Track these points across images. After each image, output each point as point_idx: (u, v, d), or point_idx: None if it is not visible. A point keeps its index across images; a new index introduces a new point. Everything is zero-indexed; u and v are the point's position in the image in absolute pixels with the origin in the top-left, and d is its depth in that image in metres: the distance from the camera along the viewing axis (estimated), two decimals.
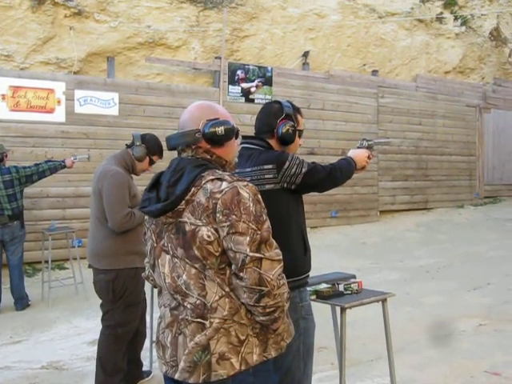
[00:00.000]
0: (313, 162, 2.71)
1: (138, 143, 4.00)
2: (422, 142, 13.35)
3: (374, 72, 12.82)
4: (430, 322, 5.49)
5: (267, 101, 10.79)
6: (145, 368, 4.30)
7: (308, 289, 2.72)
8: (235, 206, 1.80)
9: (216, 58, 10.42)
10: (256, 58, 11.14)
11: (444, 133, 13.80)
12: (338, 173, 2.75)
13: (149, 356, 4.49)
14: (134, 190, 3.87)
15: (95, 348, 4.88)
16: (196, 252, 1.84)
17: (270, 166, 2.58)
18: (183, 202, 1.85)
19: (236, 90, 10.50)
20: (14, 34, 8.62)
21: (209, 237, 1.81)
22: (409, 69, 13.66)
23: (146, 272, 2.17)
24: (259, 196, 1.87)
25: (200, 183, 1.85)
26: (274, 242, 1.86)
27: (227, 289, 1.86)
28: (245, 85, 10.61)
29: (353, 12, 12.48)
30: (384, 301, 3.09)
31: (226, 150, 2.03)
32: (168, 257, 1.93)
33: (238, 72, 10.53)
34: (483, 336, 5.07)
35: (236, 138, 2.08)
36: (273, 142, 2.73)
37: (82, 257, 7.21)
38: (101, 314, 3.93)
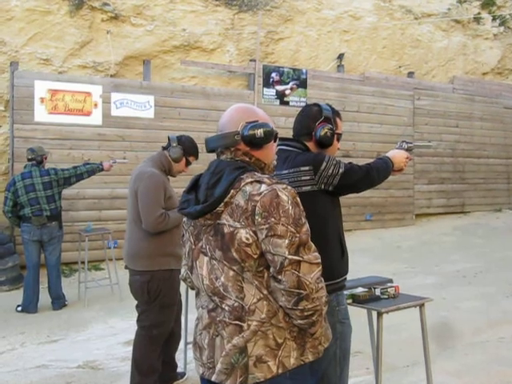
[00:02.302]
0: (349, 163, 2.69)
1: (174, 144, 4.03)
2: (458, 145, 13.13)
3: (410, 74, 12.66)
4: (467, 328, 5.39)
5: (302, 103, 10.78)
6: (179, 369, 4.32)
7: (344, 292, 2.69)
8: (274, 209, 1.80)
9: (251, 60, 10.43)
10: (291, 61, 11.12)
11: (481, 135, 13.55)
12: (375, 173, 2.72)
13: (183, 357, 4.51)
14: (169, 191, 3.89)
15: (130, 348, 4.93)
16: (234, 254, 1.85)
17: (306, 168, 2.57)
18: (222, 204, 1.86)
19: (271, 92, 10.50)
20: (53, 38, 8.78)
21: (247, 239, 1.82)
22: (445, 70, 13.46)
23: (184, 274, 2.18)
24: (298, 199, 1.88)
25: (239, 185, 1.86)
26: (313, 245, 1.86)
27: (265, 291, 1.86)
28: (279, 87, 10.60)
29: (388, 14, 12.37)
30: (421, 306, 3.04)
31: (265, 153, 2.03)
32: (206, 259, 1.94)
33: (273, 74, 10.53)
34: None
35: (275, 141, 2.08)
36: (311, 145, 2.72)
37: (117, 258, 7.31)
38: (136, 314, 3.97)
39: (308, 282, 1.79)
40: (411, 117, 12.28)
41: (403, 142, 3.04)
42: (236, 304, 1.86)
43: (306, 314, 1.82)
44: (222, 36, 10.23)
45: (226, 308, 1.88)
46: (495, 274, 7.84)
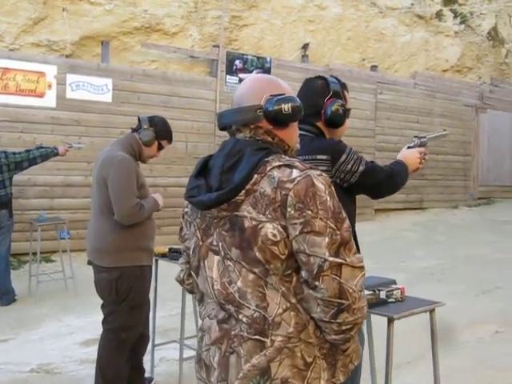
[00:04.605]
0: (371, 161, 2.37)
1: (145, 126, 3.62)
2: None
3: (374, 67, 12.52)
4: (444, 329, 5.19)
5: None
6: (146, 374, 3.93)
7: None
8: (310, 200, 1.46)
9: (214, 46, 10.03)
10: (255, 48, 10.78)
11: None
12: (398, 178, 2.43)
13: (150, 360, 4.13)
14: (142, 178, 3.50)
15: (89, 349, 4.55)
16: (257, 254, 1.49)
17: (324, 157, 2.23)
18: (243, 191, 1.50)
19: (234, 80, 10.12)
20: (5, 13, 8.15)
21: (274, 236, 1.48)
22: (408, 65, 13.39)
23: (181, 275, 1.83)
24: (333, 188, 1.54)
25: (264, 170, 1.51)
26: (355, 244, 1.53)
27: (293, 300, 1.52)
28: (243, 75, 10.20)
29: (353, 5, 12.18)
30: (432, 311, 2.77)
31: (290, 133, 1.68)
32: (217, 258, 1.59)
33: (237, 62, 10.16)
34: (503, 344, 4.79)
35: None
36: (321, 125, 2.38)
37: (71, 249, 6.84)
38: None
39: (351, 290, 1.47)
40: (373, 111, 12.14)
41: (415, 137, 2.73)
42: (256, 315, 1.51)
43: (343, 328, 1.50)
44: (184, 19, 9.78)
45: (244, 319, 1.53)
46: (462, 271, 7.75)
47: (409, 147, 2.70)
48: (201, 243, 1.64)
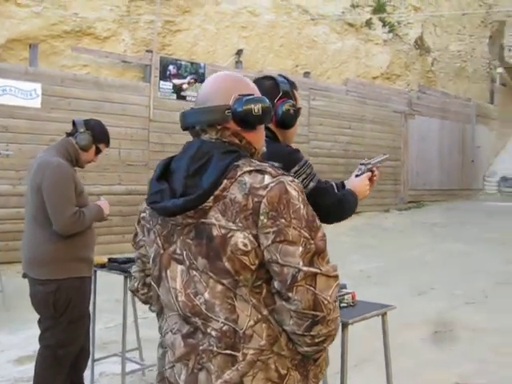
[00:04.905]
0: (325, 181, 2.30)
1: (81, 130, 3.45)
2: (351, 146, 13.34)
3: (306, 74, 12.67)
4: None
5: None
6: None
7: None
8: (284, 207, 1.38)
9: (147, 51, 9.85)
10: (188, 54, 10.67)
11: (372, 137, 13.88)
12: (347, 206, 2.37)
13: (90, 375, 3.95)
14: (80, 185, 3.34)
15: (23, 368, 4.32)
16: (226, 264, 1.40)
17: (276, 164, 2.16)
18: (211, 198, 1.41)
19: (167, 86, 9.98)
20: None
21: (245, 245, 1.39)
22: (339, 72, 13.63)
23: (135, 284, 1.72)
24: (305, 196, 1.47)
25: (234, 175, 1.42)
26: (328, 253, 1.46)
27: (265, 312, 1.43)
28: (177, 81, 10.10)
29: (286, 12, 12.29)
30: (384, 314, 2.76)
31: (258, 136, 1.59)
32: (181, 268, 1.48)
33: (170, 67, 10.02)
34: (443, 344, 4.89)
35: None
36: (273, 127, 2.32)
37: (0, 261, 6.51)
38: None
39: (326, 302, 1.39)
40: (307, 117, 12.26)
41: (361, 164, 2.66)
42: (225, 328, 1.42)
43: (317, 340, 1.42)
44: (116, 23, 9.56)
45: (213, 333, 1.43)
46: (397, 273, 7.90)
47: (356, 175, 2.64)
48: (162, 251, 1.53)
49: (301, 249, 1.38)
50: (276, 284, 1.41)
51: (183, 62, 10.23)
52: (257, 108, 1.52)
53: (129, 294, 3.89)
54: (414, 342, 4.95)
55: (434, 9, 15.90)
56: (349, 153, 13.24)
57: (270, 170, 1.44)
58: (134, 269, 1.73)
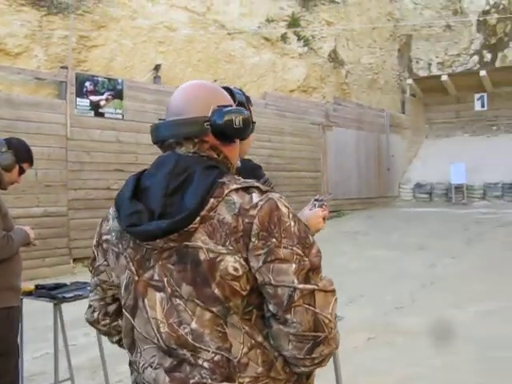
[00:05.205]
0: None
1: (3, 149, 3.25)
2: (272, 159, 13.44)
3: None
4: None
5: (118, 115, 10.12)
6: None
7: None
8: (275, 226, 1.29)
9: (62, 67, 9.52)
10: (105, 70, 10.42)
11: (292, 150, 14.08)
12: None
13: None
14: (4, 207, 3.14)
15: None
16: (215, 291, 1.29)
17: (261, 181, 2.11)
18: (197, 219, 1.29)
19: (84, 102, 9.68)
20: None
21: (236, 270, 1.28)
22: (257, 86, 13.75)
23: (95, 314, 1.57)
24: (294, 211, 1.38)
25: (221, 193, 1.31)
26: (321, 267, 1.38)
27: (259, 338, 1.33)
28: (94, 98, 9.82)
29: (203, 27, 12.29)
30: None
31: (235, 150, 1.49)
32: (160, 295, 1.34)
33: (87, 84, 9.73)
34: (378, 350, 4.96)
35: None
36: None
37: None
38: None
39: (327, 320, 1.30)
40: None
41: (315, 201, 2.67)
42: (217, 358, 1.29)
43: (316, 361, 1.32)
44: (28, 39, 9.20)
45: (205, 364, 1.30)
46: (335, 281, 7.98)
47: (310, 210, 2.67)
48: (137, 278, 1.38)
49: (294, 266, 1.28)
50: (271, 307, 1.31)
51: (100, 78, 9.97)
52: (238, 120, 1.41)
53: (59, 321, 3.70)
54: (348, 349, 4.97)
55: (345, 23, 16.39)
56: (271, 166, 13.32)
57: (256, 185, 1.35)
58: (91, 297, 1.57)
